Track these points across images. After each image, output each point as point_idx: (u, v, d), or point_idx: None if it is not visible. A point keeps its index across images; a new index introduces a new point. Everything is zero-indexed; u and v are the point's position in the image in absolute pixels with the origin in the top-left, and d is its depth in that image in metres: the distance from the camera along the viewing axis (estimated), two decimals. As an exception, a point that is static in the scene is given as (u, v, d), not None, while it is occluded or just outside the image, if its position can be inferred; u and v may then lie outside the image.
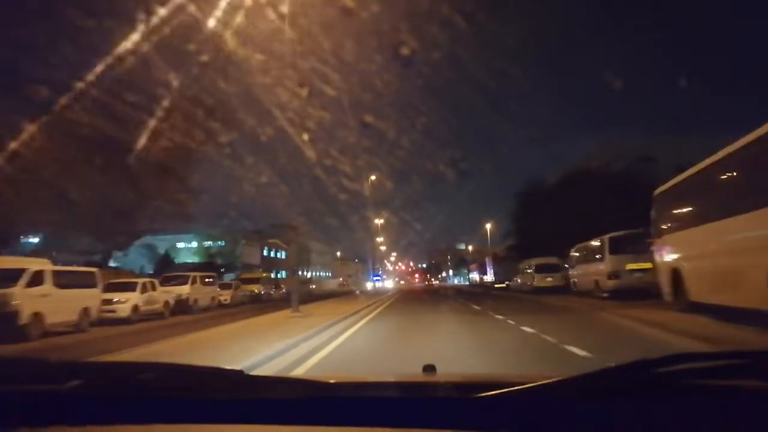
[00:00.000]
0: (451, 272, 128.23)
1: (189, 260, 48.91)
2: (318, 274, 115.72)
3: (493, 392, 1.17)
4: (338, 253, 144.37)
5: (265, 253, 63.38)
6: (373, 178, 49.09)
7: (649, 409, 1.07)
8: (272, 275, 60.50)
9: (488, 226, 76.13)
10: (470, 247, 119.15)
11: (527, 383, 1.21)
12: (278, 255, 71.12)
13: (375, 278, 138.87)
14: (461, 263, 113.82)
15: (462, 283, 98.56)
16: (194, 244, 52.18)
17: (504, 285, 42.53)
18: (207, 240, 52.49)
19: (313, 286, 57.15)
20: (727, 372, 1.12)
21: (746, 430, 1.02)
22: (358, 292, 38.80)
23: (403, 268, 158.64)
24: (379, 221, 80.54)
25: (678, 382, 1.11)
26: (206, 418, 1.19)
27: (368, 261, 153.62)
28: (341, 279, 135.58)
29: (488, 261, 48.13)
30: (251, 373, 1.46)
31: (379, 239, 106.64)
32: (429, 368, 1.80)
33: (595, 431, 1.06)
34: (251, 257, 56.11)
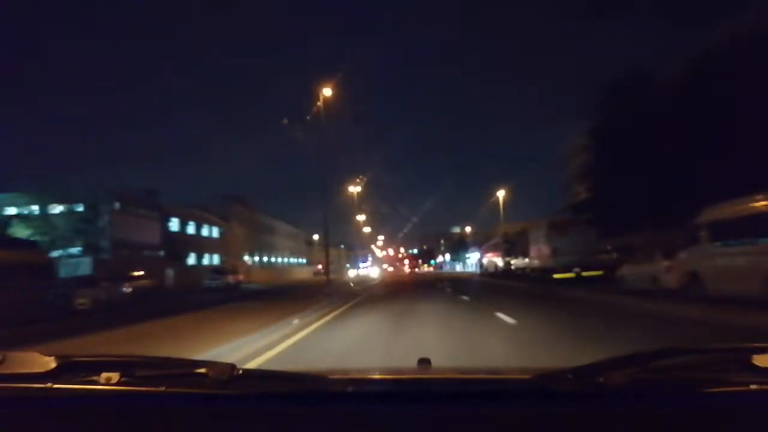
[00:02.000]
0: (447, 257, 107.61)
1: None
2: (286, 260, 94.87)
3: (489, 386, 1.23)
4: (315, 237, 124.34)
5: (175, 228, 42.09)
6: (328, 92, 28.29)
7: (642, 401, 1.06)
8: (195, 259, 40.48)
9: (500, 193, 55.66)
10: (468, 229, 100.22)
11: (521, 376, 1.25)
12: (207, 233, 49.81)
13: (361, 264, 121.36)
14: (459, 246, 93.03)
15: (467, 270, 77.54)
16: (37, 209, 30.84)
17: (573, 274, 21.64)
18: (52, 202, 31.14)
19: (239, 278, 36.13)
20: (719, 366, 1.13)
21: (738, 423, 1.01)
22: (352, 284, 31.43)
23: (392, 253, 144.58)
24: (355, 189, 60.07)
25: (671, 374, 1.13)
26: (199, 410, 1.18)
27: (351, 247, 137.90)
28: (319, 266, 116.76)
29: (534, 234, 26.78)
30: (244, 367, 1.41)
31: (360, 217, 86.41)
32: (424, 362, 1.75)
33: (590, 422, 1.05)
34: (140, 232, 34.85)
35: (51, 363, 1.32)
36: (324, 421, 1.11)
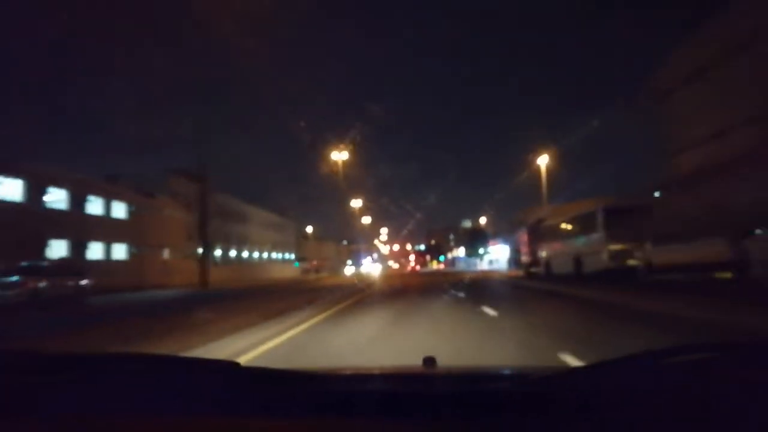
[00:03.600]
0: (461, 251, 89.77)
1: None
2: (266, 255, 77.53)
3: (495, 384, 1.20)
4: (309, 229, 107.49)
5: (17, 195, 24.59)
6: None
7: (653, 400, 1.04)
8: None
9: (543, 160, 38.00)
10: (483, 220, 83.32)
11: (528, 376, 1.22)
12: (102, 211, 32.27)
13: (363, 260, 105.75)
14: (477, 239, 75.02)
15: (492, 267, 59.41)
16: None
17: None
18: None
19: (85, 282, 18.92)
20: (733, 363, 1.10)
21: (748, 419, 0.98)
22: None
23: (398, 249, 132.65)
24: (339, 156, 42.98)
25: (685, 373, 1.09)
26: (200, 408, 1.15)
27: (354, 241, 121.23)
28: (314, 263, 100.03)
29: None
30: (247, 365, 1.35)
31: (356, 202, 68.74)
32: (429, 361, 1.70)
33: (600, 422, 1.01)
34: None
35: (50, 359, 1.31)
36: (329, 419, 1.08)
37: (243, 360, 6.22)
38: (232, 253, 63.71)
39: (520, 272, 33.32)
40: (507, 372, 1.59)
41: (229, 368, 1.27)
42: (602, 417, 1.01)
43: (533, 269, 26.75)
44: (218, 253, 59.20)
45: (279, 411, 1.11)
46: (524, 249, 29.41)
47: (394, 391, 1.23)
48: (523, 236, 29.86)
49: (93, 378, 1.25)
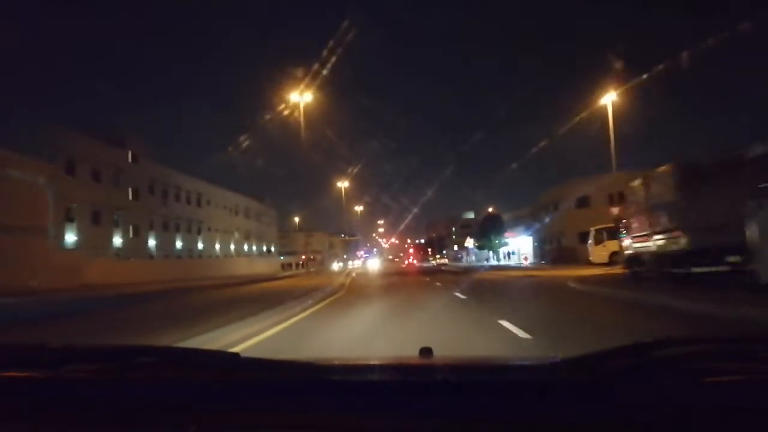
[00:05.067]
0: (472, 244, 74.74)
1: None
2: (233, 247, 62.59)
3: (491, 375, 1.22)
4: (296, 219, 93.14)
5: None
6: None
7: (643, 392, 1.04)
8: None
9: (608, 99, 24.47)
10: (490, 209, 69.92)
11: (523, 365, 1.27)
12: None
13: (358, 254, 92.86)
14: (491, 229, 59.75)
15: (514, 262, 43.85)
16: None
17: None
18: None
19: None
20: (721, 356, 1.12)
21: (738, 413, 0.97)
22: None
23: (396, 241, 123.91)
24: (300, 98, 28.34)
25: (672, 365, 1.10)
26: (203, 399, 1.16)
27: (351, 234, 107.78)
28: (303, 257, 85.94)
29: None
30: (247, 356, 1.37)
31: (343, 183, 53.54)
32: (426, 351, 1.70)
33: (591, 412, 1.02)
34: None
35: (53, 352, 1.30)
36: (329, 409, 1.08)
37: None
38: (179, 243, 48.67)
39: (578, 272, 19.12)
40: (503, 363, 1.60)
41: (229, 358, 1.28)
42: (595, 408, 1.00)
43: (701, 268, 11.50)
44: (152, 243, 44.17)
45: (279, 400, 1.11)
46: (634, 225, 14.31)
47: (391, 380, 1.23)
48: (630, 205, 14.75)
49: (94, 369, 1.25)
